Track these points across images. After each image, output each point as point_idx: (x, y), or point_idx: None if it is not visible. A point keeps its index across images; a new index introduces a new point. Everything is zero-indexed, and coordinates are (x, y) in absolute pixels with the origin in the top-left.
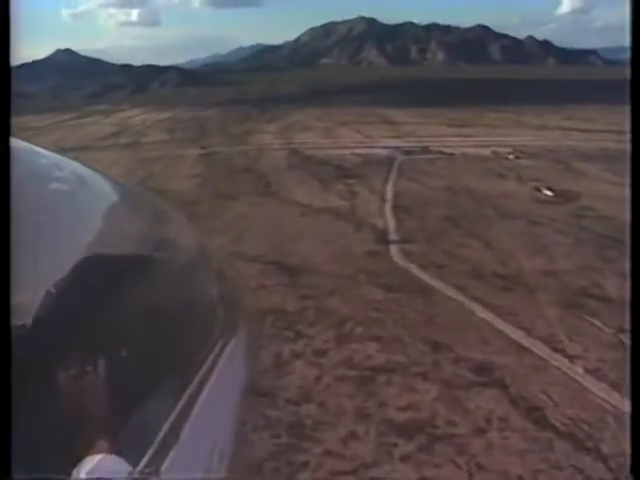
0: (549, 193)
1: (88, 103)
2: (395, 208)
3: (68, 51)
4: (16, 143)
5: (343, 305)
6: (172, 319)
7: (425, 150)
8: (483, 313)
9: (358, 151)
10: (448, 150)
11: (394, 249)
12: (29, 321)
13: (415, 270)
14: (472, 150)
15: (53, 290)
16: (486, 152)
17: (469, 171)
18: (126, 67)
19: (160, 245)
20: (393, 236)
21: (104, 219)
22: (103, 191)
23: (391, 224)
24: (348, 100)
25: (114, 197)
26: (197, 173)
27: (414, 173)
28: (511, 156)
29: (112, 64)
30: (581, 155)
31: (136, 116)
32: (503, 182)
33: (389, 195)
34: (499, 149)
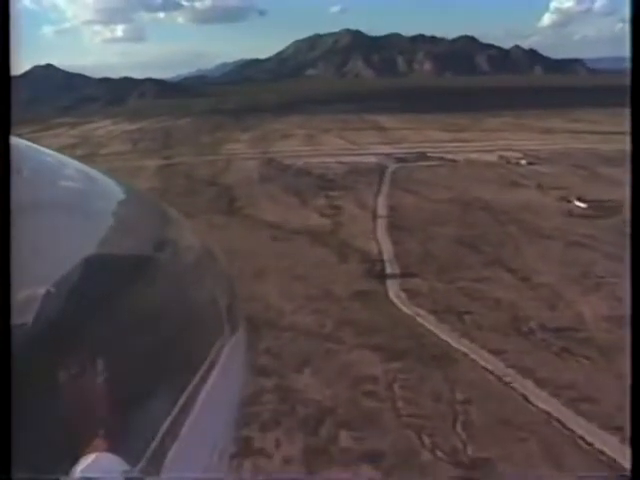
0: (581, 205)
1: (57, 115)
2: (391, 227)
3: (48, 66)
4: (18, 142)
5: (318, 386)
6: (175, 318)
7: (422, 156)
8: (541, 399)
9: (344, 159)
10: (449, 156)
11: (393, 287)
12: (30, 320)
13: (426, 320)
14: (476, 155)
15: (53, 289)
16: (492, 157)
17: (477, 179)
18: (104, 80)
19: (166, 246)
20: (390, 267)
21: (113, 218)
22: (112, 190)
23: (387, 249)
24: (334, 108)
25: (122, 196)
26: (153, 186)
27: (411, 183)
28: (523, 161)
29: (91, 77)
30: (603, 159)
31: (103, 127)
32: (521, 192)
33: (382, 210)
34: (506, 154)
